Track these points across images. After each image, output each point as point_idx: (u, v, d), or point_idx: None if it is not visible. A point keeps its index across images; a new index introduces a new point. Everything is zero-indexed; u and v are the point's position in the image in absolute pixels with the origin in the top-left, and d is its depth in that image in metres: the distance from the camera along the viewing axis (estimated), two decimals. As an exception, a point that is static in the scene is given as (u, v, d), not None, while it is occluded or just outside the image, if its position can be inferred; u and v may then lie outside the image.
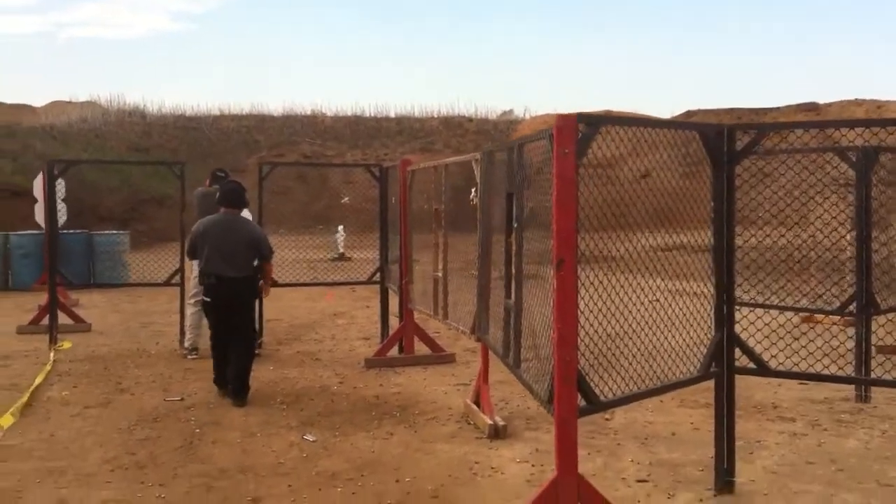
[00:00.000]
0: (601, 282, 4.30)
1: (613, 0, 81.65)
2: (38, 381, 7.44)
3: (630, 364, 4.62)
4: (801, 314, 7.96)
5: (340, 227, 20.79)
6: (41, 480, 5.03)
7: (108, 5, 79.70)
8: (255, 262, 7.37)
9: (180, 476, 5.15)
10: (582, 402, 4.11)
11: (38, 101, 35.23)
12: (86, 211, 22.10)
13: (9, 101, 33.54)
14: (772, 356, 4.97)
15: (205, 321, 7.89)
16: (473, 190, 6.87)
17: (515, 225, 5.16)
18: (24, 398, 6.81)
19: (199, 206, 8.70)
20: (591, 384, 4.15)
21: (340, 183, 26.11)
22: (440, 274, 7.51)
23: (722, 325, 4.84)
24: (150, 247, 16.45)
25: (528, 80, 73.36)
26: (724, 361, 4.84)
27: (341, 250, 20.28)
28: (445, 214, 7.64)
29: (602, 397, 4.27)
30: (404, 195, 8.53)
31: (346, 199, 19.72)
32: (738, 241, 5.73)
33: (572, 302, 3.96)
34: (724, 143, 4.88)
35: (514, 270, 5.20)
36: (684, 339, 4.74)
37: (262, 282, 7.67)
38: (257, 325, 8.97)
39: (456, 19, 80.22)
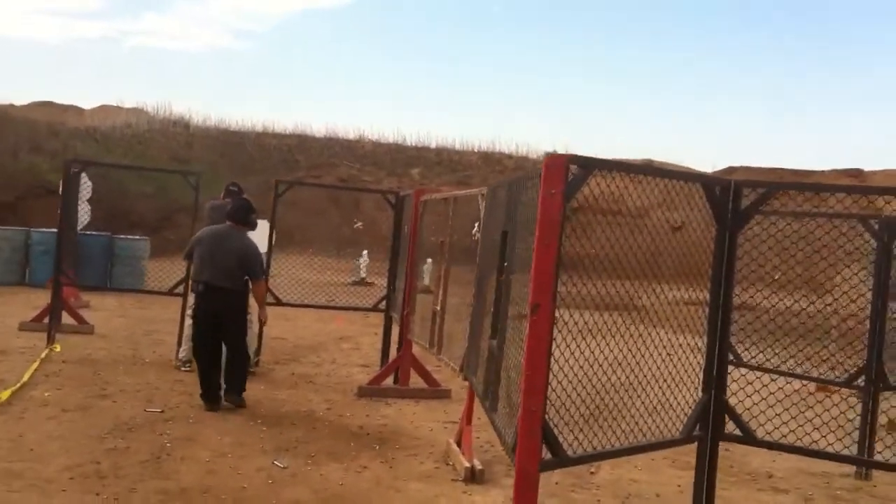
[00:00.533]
0: (605, 329, 4.11)
1: (664, 50, 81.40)
2: (25, 377, 7.35)
3: (614, 419, 4.42)
4: (815, 383, 7.67)
5: (364, 252, 20.84)
6: (-5, 482, 4.92)
7: (176, 18, 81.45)
8: (246, 279, 7.36)
9: (138, 491, 5.00)
10: (548, 455, 3.90)
11: (89, 103, 35.79)
12: (118, 215, 22.34)
13: (60, 101, 34.25)
14: (768, 420, 4.67)
15: None
16: (476, 225, 6.73)
17: (506, 264, 5.00)
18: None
19: (208, 218, 8.69)
20: (560, 436, 3.93)
21: (373, 209, 26.19)
22: (438, 307, 7.34)
23: (710, 387, 4.60)
24: (177, 255, 16.49)
25: (572, 122, 73.24)
26: (708, 426, 4.59)
27: (363, 275, 20.25)
28: (456, 247, 7.51)
29: (571, 451, 4.05)
30: (415, 224, 8.40)
31: (359, 224, 19.70)
32: (756, 300, 5.53)
33: (544, 350, 3.75)
34: (730, 200, 4.67)
35: (500, 311, 5.03)
36: (682, 398, 4.51)
37: (259, 310, 7.67)
38: (256, 344, 8.90)
39: (503, 56, 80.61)
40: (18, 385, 7.20)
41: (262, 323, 7.94)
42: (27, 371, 7.76)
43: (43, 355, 8.66)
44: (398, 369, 8.59)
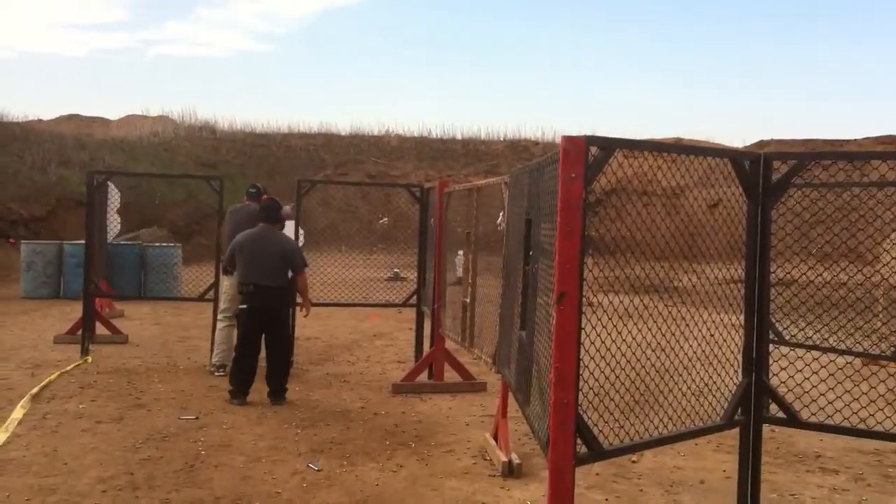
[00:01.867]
0: (641, 313, 3.97)
1: (688, 27, 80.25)
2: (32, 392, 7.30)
3: (651, 407, 4.27)
4: (861, 358, 7.45)
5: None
6: (29, 498, 4.88)
7: (197, 25, 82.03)
8: (290, 274, 7.70)
9: (172, 501, 4.95)
10: (583, 448, 3.77)
11: (116, 114, 36.20)
12: (148, 223, 22.51)
13: (86, 113, 34.61)
14: (812, 400, 4.47)
15: (234, 336, 8.00)
16: (501, 214, 6.60)
17: (532, 252, 4.86)
18: (16, 413, 6.74)
19: (229, 223, 8.77)
20: (595, 428, 3.80)
21: (403, 203, 26.13)
22: (468, 300, 7.22)
23: (750, 369, 4.44)
24: (210, 260, 16.51)
25: (597, 104, 72.52)
26: (750, 409, 4.43)
27: (396, 269, 20.19)
28: (484, 238, 7.39)
29: (607, 444, 3.92)
30: (440, 217, 8.28)
31: (385, 220, 19.59)
32: (795, 275, 5.32)
33: (572, 339, 3.62)
34: (760, 174, 4.50)
35: (529, 301, 4.89)
36: (727, 379, 4.36)
37: (300, 299, 7.96)
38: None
39: (525, 43, 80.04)
40: (28, 397, 7.23)
41: (304, 315, 8.06)
42: (37, 385, 7.76)
43: (71, 367, 8.70)
44: (432, 364, 8.49)
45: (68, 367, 8.71)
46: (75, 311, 12.26)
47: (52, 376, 8.16)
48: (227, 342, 8.59)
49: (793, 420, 4.41)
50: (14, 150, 21.43)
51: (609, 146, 3.79)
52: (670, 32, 79.09)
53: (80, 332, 9.82)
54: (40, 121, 31.71)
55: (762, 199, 4.46)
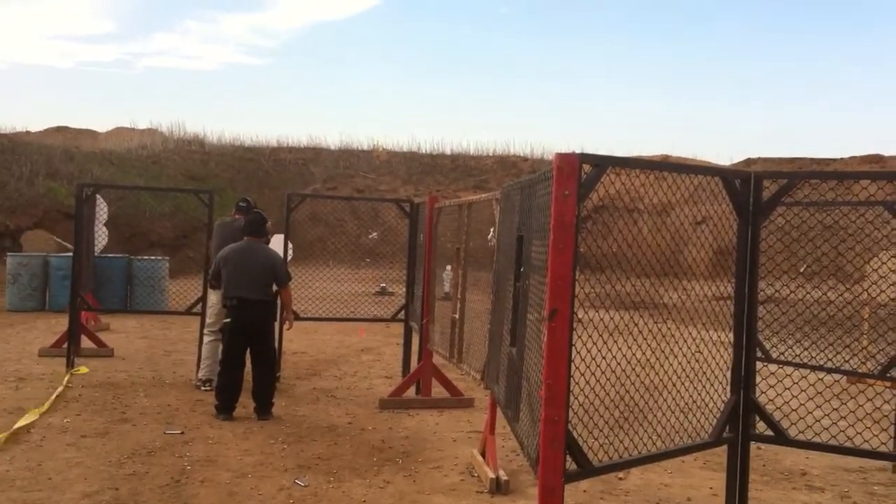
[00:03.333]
0: (627, 330, 3.97)
1: (673, 45, 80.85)
2: (28, 418, 7.15)
3: (640, 424, 4.27)
4: (848, 376, 7.47)
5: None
6: (12, 513, 4.84)
7: (186, 37, 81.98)
8: (274, 288, 7.72)
9: (157, 517, 4.91)
10: (572, 466, 3.77)
11: (104, 126, 36.04)
12: (137, 236, 22.41)
13: (75, 125, 34.46)
14: (800, 418, 4.48)
15: (220, 351, 7.95)
16: (492, 230, 6.60)
17: (522, 269, 4.86)
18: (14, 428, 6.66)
19: (217, 236, 8.78)
20: (585, 445, 3.79)
21: (392, 218, 26.12)
22: (457, 315, 7.21)
23: (738, 386, 4.45)
24: (198, 274, 16.45)
25: (585, 123, 72.86)
26: (738, 427, 4.44)
27: (383, 284, 20.17)
28: (474, 254, 7.40)
29: (596, 461, 3.91)
30: (429, 232, 8.28)
31: (374, 234, 19.58)
32: (783, 293, 5.34)
33: (563, 356, 3.62)
34: (751, 193, 4.53)
35: (519, 317, 4.89)
36: (715, 395, 4.36)
37: (284, 312, 7.98)
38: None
39: (514, 60, 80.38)
40: (38, 413, 7.15)
41: (287, 328, 8.16)
42: (48, 400, 7.68)
43: (66, 381, 8.61)
44: (419, 379, 8.47)
45: (65, 382, 8.59)
46: (61, 324, 12.17)
47: (52, 397, 7.98)
48: (213, 357, 8.53)
49: (781, 437, 4.41)
50: (1, 161, 21.30)
51: (602, 164, 3.81)
52: (656, 50, 79.66)
53: (65, 345, 9.72)
54: (28, 132, 31.55)
55: (752, 218, 4.49)
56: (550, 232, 3.66)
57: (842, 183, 6.01)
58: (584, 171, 3.73)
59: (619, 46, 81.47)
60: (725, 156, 33.11)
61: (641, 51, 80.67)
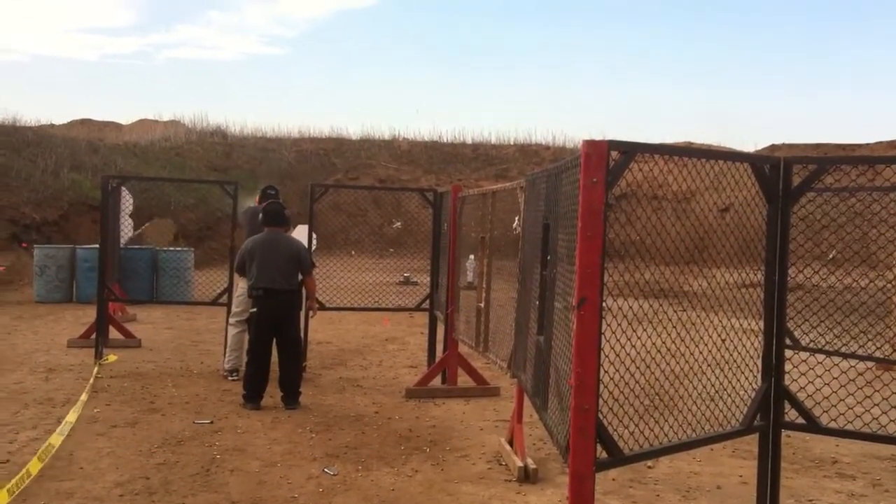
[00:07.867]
0: (652, 318, 3.94)
1: (696, 32, 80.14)
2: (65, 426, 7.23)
3: (670, 412, 4.24)
4: (878, 363, 7.39)
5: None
6: (46, 502, 4.89)
7: (208, 28, 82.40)
8: (299, 277, 7.77)
9: (188, 506, 4.95)
10: (603, 454, 3.75)
11: (127, 118, 36.29)
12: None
13: (98, 118, 34.76)
14: (832, 405, 4.43)
15: (246, 340, 8.04)
16: (517, 219, 6.58)
17: (549, 257, 4.84)
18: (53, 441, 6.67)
19: (247, 225, 8.81)
20: (615, 433, 3.78)
21: (414, 207, 26.13)
22: (482, 304, 7.20)
23: (770, 374, 4.41)
24: (222, 264, 16.58)
25: (607, 110, 72.48)
26: (770, 415, 4.40)
27: (407, 274, 20.19)
28: (498, 242, 7.39)
29: (627, 449, 3.89)
30: (453, 221, 8.27)
31: (398, 223, 19.58)
32: (814, 280, 5.28)
33: (593, 345, 3.59)
34: (780, 178, 4.47)
35: (546, 306, 4.87)
36: (745, 382, 4.33)
37: (308, 301, 8.04)
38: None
39: (536, 48, 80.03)
40: (81, 407, 7.23)
41: (312, 316, 8.30)
42: (73, 410, 7.68)
43: (96, 371, 8.70)
44: (445, 368, 8.48)
45: (95, 372, 8.67)
46: (88, 315, 12.31)
47: (83, 397, 7.97)
48: (240, 347, 8.59)
49: (812, 425, 4.37)
50: (27, 154, 21.50)
51: (630, 150, 3.77)
52: (679, 37, 78.95)
53: (93, 336, 9.82)
54: (53, 125, 31.84)
55: (782, 204, 4.44)
56: (579, 219, 3.64)
57: (871, 168, 5.91)
58: (612, 158, 3.70)
59: (642, 33, 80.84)
60: (749, 142, 32.71)
61: (663, 38, 80.00)
